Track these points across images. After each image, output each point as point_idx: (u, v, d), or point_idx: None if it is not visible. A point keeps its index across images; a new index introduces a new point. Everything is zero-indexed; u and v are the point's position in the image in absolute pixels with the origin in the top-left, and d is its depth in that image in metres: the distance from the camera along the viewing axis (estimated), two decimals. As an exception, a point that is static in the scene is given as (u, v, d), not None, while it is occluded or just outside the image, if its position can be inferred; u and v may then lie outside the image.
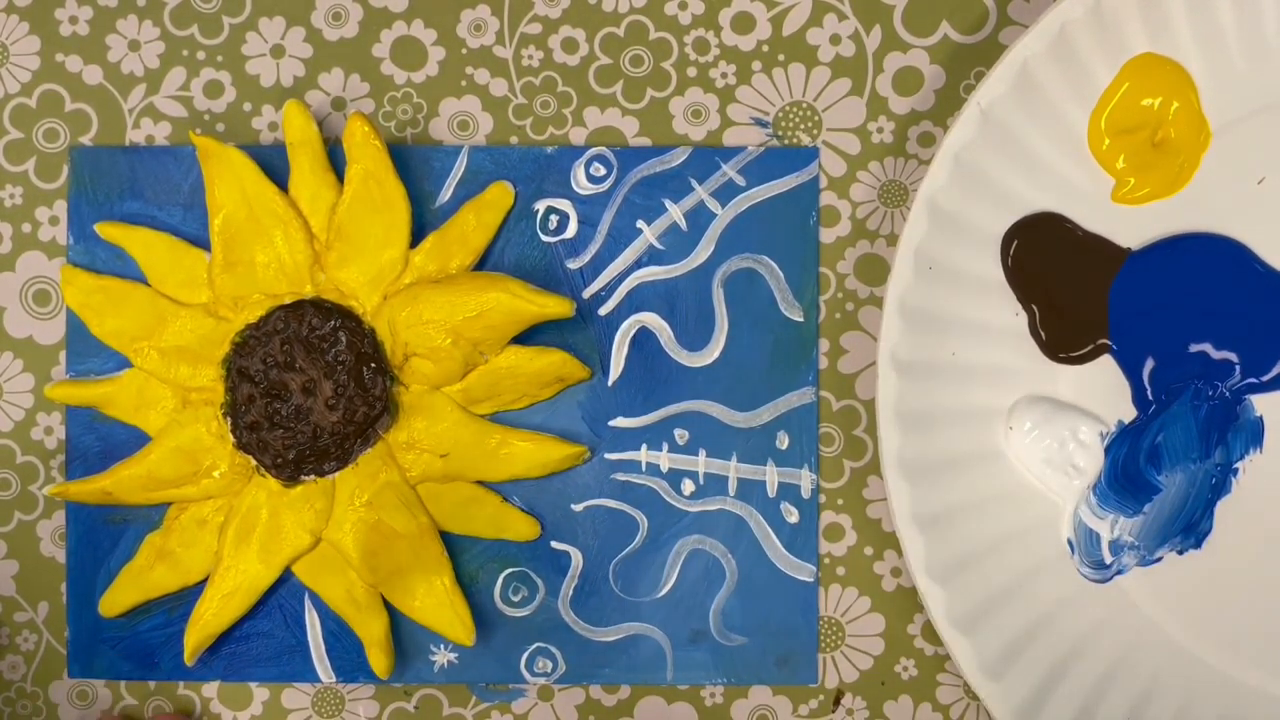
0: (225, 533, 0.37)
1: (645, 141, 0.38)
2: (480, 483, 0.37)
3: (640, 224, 0.38)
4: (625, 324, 0.38)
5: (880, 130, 0.38)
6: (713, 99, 0.38)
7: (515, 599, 0.38)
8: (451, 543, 0.38)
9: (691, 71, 0.38)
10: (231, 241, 0.37)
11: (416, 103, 0.38)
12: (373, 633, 0.37)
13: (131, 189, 0.38)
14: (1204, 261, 0.36)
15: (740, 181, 0.38)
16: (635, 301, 0.38)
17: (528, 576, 0.38)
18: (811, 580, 0.38)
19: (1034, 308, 0.36)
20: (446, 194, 0.38)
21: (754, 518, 0.38)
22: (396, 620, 0.38)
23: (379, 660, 0.37)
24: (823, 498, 0.38)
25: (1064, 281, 0.36)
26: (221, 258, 0.37)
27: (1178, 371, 0.36)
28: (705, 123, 0.38)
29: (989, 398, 0.36)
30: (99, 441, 0.38)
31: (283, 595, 0.38)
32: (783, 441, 0.38)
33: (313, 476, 0.37)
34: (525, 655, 0.38)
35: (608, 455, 0.38)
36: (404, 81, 0.38)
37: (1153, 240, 0.36)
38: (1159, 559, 0.37)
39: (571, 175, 0.38)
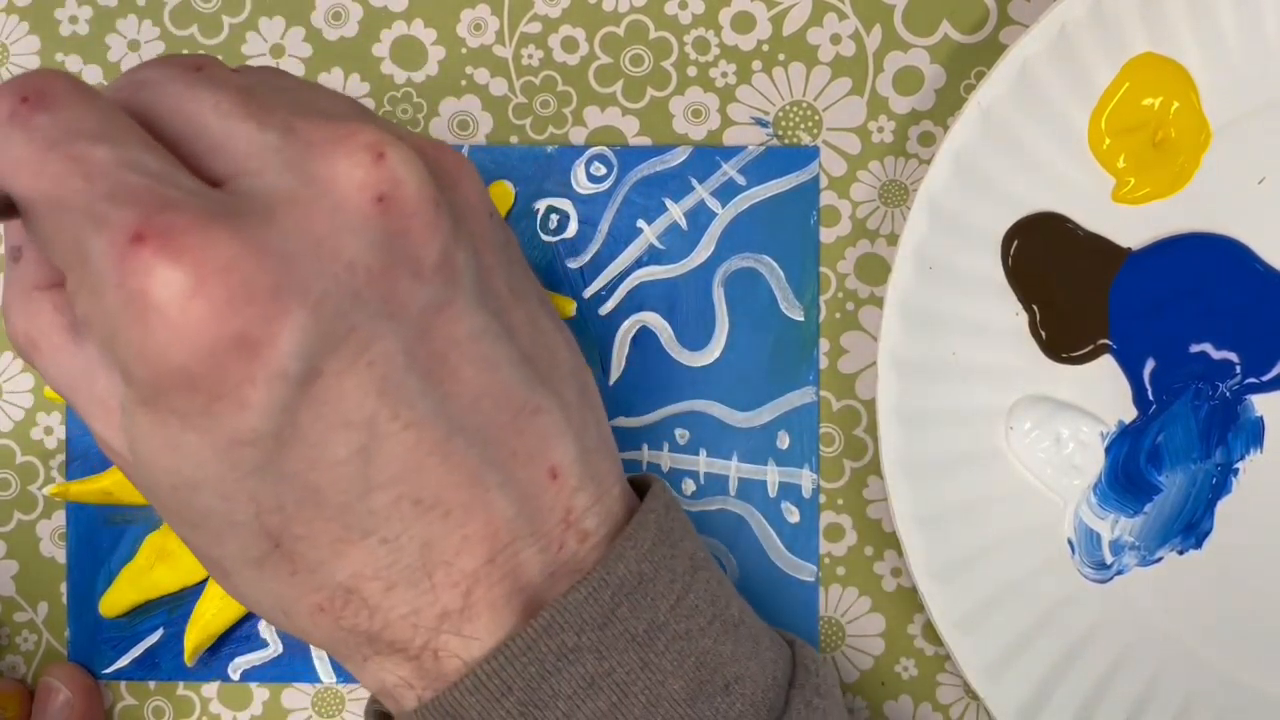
0: (225, 533, 0.37)
1: (645, 141, 0.38)
2: (480, 483, 0.37)
3: (640, 223, 0.38)
4: (625, 324, 0.38)
5: (880, 130, 0.38)
6: (713, 98, 0.38)
7: (515, 599, 0.38)
8: (452, 543, 0.38)
9: (691, 71, 0.38)
10: (231, 241, 0.37)
11: (416, 102, 0.38)
12: (373, 633, 0.37)
13: (131, 189, 0.38)
14: (1204, 261, 0.36)
15: (740, 181, 0.38)
16: (635, 301, 0.38)
17: (528, 576, 0.38)
18: (812, 580, 0.38)
19: (1034, 308, 0.36)
20: (446, 194, 0.38)
21: (754, 517, 0.38)
22: (397, 620, 0.38)
23: (379, 660, 0.37)
24: (823, 498, 0.38)
25: (1064, 281, 0.36)
26: (221, 258, 0.37)
27: (1178, 371, 0.36)
28: (705, 122, 0.38)
29: (989, 398, 0.36)
30: (99, 441, 0.38)
31: (283, 595, 0.38)
32: (783, 441, 0.38)
33: (313, 476, 0.37)
34: (525, 655, 0.38)
35: (608, 455, 0.38)
36: (404, 81, 0.38)
37: (1153, 240, 0.36)
38: (1159, 559, 0.37)
39: (571, 175, 0.38)
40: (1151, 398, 0.36)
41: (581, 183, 0.38)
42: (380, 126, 0.25)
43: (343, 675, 0.38)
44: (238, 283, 0.23)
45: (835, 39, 0.38)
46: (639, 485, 0.32)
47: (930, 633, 0.38)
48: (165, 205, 0.23)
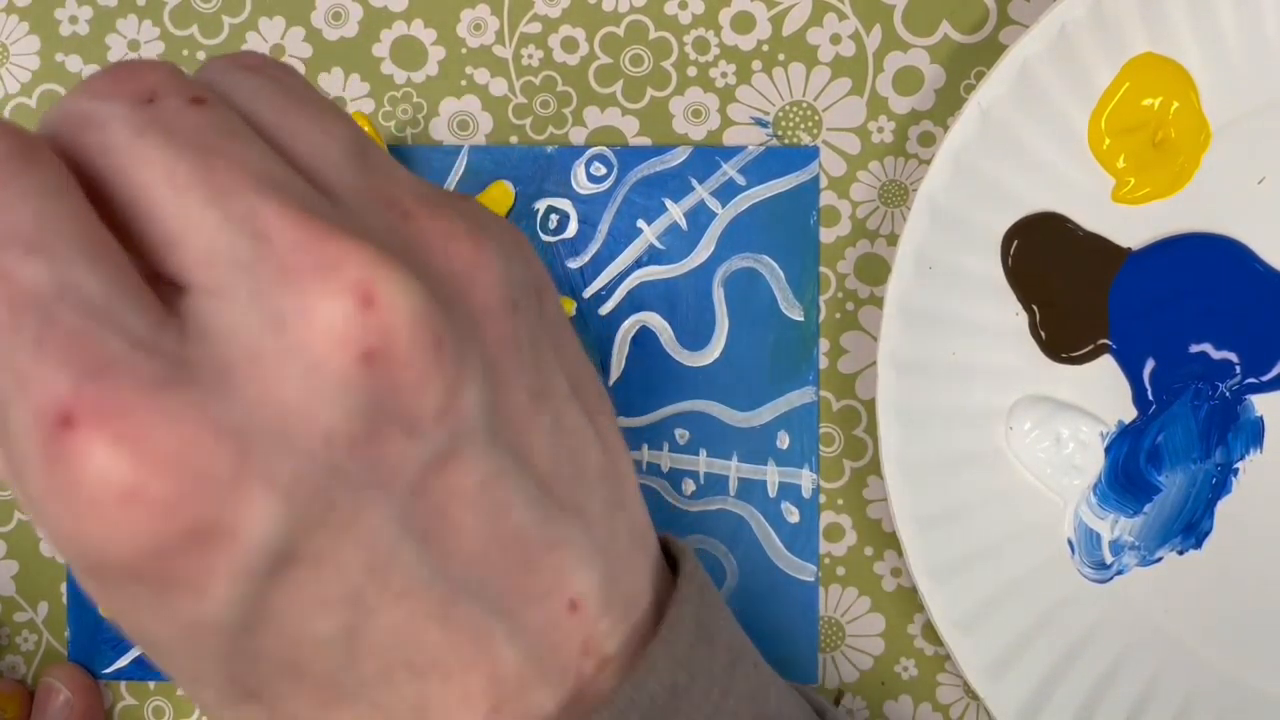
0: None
1: (645, 141, 0.38)
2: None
3: (640, 223, 0.38)
4: (625, 324, 0.38)
5: (880, 130, 0.38)
6: (713, 99, 0.38)
7: (515, 599, 0.38)
8: (452, 543, 0.38)
9: (691, 71, 0.38)
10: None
11: (416, 102, 0.38)
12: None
13: (131, 189, 0.38)
14: (1204, 261, 0.36)
15: (740, 181, 0.38)
16: (635, 301, 0.38)
17: (528, 576, 0.38)
18: (812, 580, 0.38)
19: (1034, 308, 0.36)
20: (446, 194, 0.38)
21: (754, 518, 0.38)
22: (397, 620, 0.37)
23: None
24: (823, 498, 0.38)
25: (1064, 281, 0.36)
26: (221, 258, 0.37)
27: (1178, 371, 0.36)
28: (705, 122, 0.38)
29: (989, 398, 0.36)
30: (99, 441, 0.38)
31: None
32: (783, 441, 0.38)
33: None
34: (525, 655, 0.38)
35: (608, 455, 0.38)
36: (404, 81, 0.38)
37: (1153, 240, 0.36)
38: (1159, 559, 0.37)
39: (571, 175, 0.38)
40: (1151, 398, 0.36)
41: (581, 183, 0.38)
42: (372, 245, 0.20)
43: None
44: (190, 472, 0.19)
45: (835, 39, 0.38)
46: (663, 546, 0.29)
47: (930, 633, 0.38)
48: (102, 368, 0.19)
